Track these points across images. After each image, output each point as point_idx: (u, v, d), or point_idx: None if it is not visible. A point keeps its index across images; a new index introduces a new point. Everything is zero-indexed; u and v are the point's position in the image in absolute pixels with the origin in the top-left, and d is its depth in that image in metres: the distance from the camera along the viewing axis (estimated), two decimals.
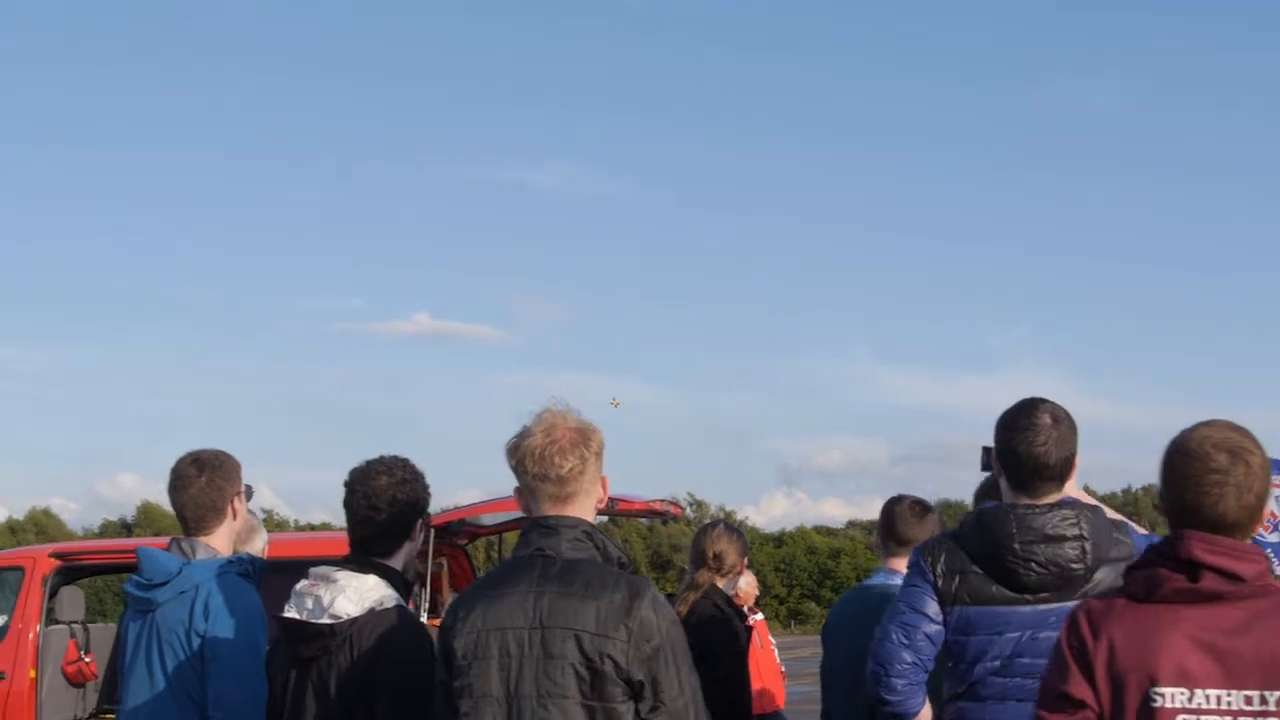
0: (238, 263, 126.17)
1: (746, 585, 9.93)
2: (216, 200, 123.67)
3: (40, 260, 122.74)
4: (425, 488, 4.07)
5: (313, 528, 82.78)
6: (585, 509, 3.56)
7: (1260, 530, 3.99)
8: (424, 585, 10.63)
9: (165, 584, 4.31)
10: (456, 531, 11.54)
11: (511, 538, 13.25)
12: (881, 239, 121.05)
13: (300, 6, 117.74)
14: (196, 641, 4.21)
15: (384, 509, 3.95)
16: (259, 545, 5.38)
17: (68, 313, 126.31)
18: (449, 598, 11.53)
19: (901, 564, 5.08)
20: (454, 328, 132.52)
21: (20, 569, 10.57)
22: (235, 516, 4.55)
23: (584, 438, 3.54)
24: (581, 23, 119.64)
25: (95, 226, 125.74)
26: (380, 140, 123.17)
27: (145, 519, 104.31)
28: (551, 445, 3.50)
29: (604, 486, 3.61)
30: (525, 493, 3.58)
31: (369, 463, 4.03)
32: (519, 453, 3.54)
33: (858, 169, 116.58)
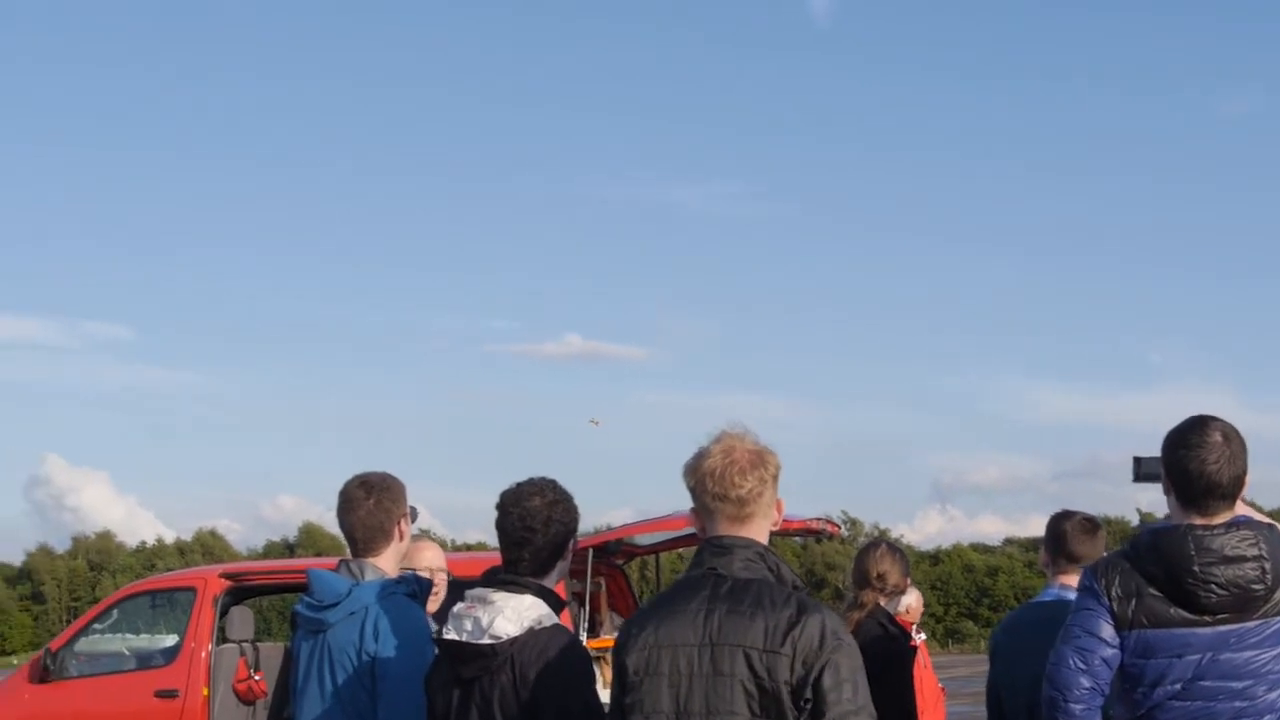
0: (392, 284, 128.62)
1: (914, 603, 9.83)
2: (372, 222, 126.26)
3: (206, 287, 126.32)
4: (576, 508, 4.10)
5: (469, 547, 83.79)
6: (760, 531, 3.56)
7: None
8: (583, 604, 10.71)
9: (335, 605, 4.37)
10: (614, 551, 11.64)
11: (667, 558, 13.31)
12: (1037, 254, 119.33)
13: (454, 27, 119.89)
14: (367, 662, 4.26)
15: (539, 529, 3.97)
16: (430, 562, 5.43)
17: (228, 337, 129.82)
18: (606, 616, 11.62)
19: (1072, 580, 4.98)
20: (603, 348, 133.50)
21: (192, 589, 10.88)
22: (402, 538, 4.62)
23: (762, 460, 3.55)
24: (713, 40, 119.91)
25: (255, 252, 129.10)
26: (530, 160, 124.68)
27: (307, 539, 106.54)
28: (731, 466, 3.51)
29: (779, 509, 3.61)
30: (701, 513, 3.59)
31: (520, 484, 4.06)
32: (697, 473, 3.55)
33: (1007, 184, 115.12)
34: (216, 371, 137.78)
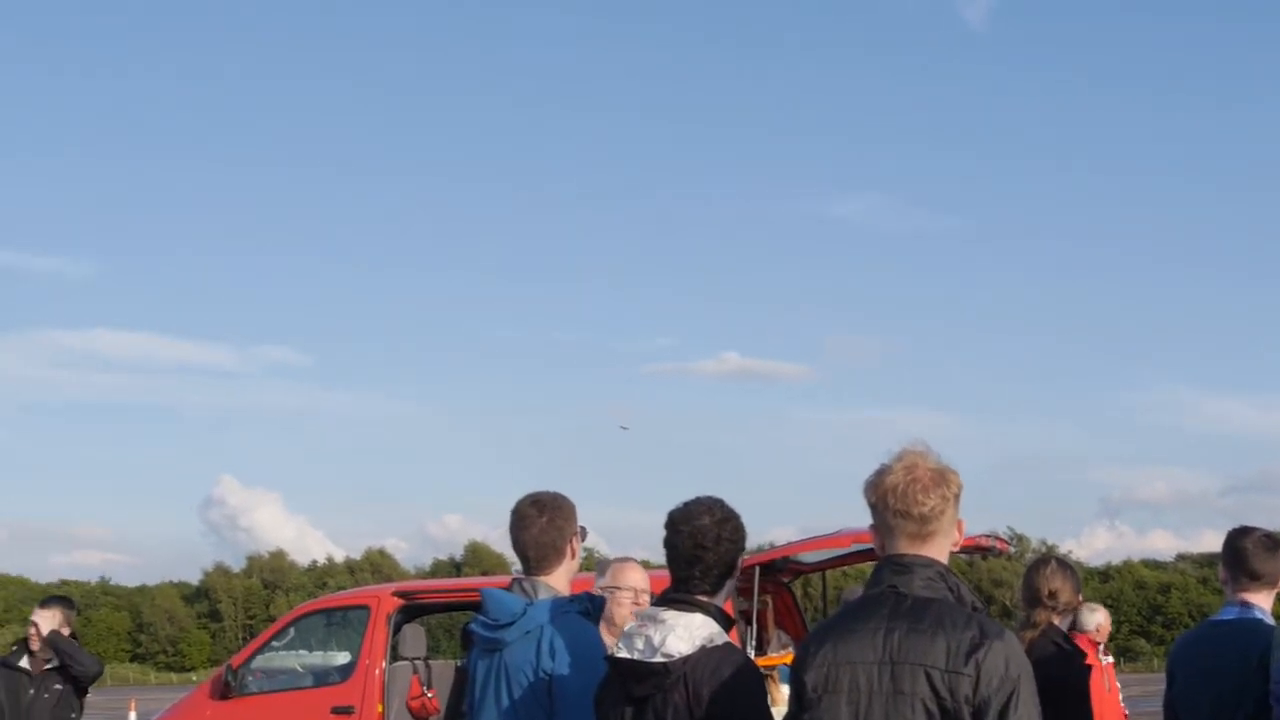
0: (552, 304, 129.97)
1: (1103, 622, 9.74)
2: (535, 243, 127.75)
3: (375, 310, 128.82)
4: (743, 527, 4.11)
5: None
6: (941, 550, 3.54)
7: None
8: (749, 622, 10.68)
9: (511, 624, 4.41)
10: (779, 569, 11.56)
11: (831, 575, 13.21)
12: (1200, 266, 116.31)
13: (624, 54, 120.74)
14: (543, 680, 4.30)
15: (709, 547, 3.98)
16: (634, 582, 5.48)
17: (394, 360, 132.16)
18: (773, 635, 11.57)
19: (1254, 597, 4.87)
20: (762, 366, 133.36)
21: (366, 608, 11.05)
22: (573, 556, 4.65)
23: (944, 479, 3.53)
24: (869, 52, 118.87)
25: (421, 274, 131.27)
26: (689, 178, 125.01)
27: (473, 557, 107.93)
28: (913, 483, 3.49)
29: (959, 530, 3.58)
30: (881, 530, 3.57)
31: (688, 503, 4.08)
32: (879, 489, 3.54)
33: (1174, 194, 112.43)
34: (384, 394, 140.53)
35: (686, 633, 3.86)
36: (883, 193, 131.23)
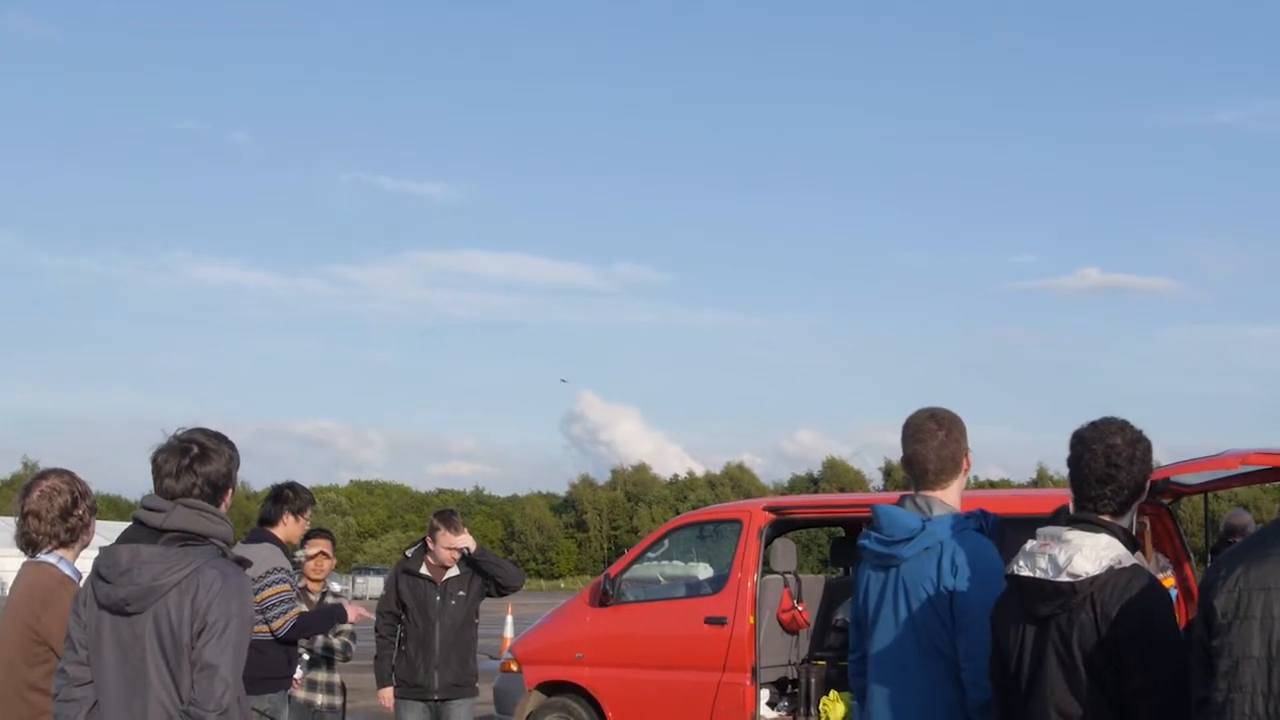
0: (911, 223, 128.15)
1: None
2: (881, 165, 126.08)
3: (729, 228, 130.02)
4: (1152, 448, 3.99)
5: (993, 484, 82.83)
6: None
7: None
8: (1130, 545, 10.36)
9: (909, 540, 4.42)
10: (1160, 490, 11.15)
11: (1212, 499, 12.66)
12: None
13: None
14: (944, 596, 4.31)
15: (1123, 466, 3.91)
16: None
17: (749, 278, 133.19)
18: (1152, 558, 11.18)
19: None
20: (1124, 280, 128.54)
21: (738, 521, 11.19)
22: (966, 471, 4.62)
23: None
24: None
25: (771, 194, 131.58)
26: (1050, 87, 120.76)
27: (830, 473, 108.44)
28: None
29: None
30: None
31: (1097, 423, 4.00)
32: None
33: None
34: (737, 311, 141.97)
35: (1093, 553, 3.81)
36: (1268, 96, 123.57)
